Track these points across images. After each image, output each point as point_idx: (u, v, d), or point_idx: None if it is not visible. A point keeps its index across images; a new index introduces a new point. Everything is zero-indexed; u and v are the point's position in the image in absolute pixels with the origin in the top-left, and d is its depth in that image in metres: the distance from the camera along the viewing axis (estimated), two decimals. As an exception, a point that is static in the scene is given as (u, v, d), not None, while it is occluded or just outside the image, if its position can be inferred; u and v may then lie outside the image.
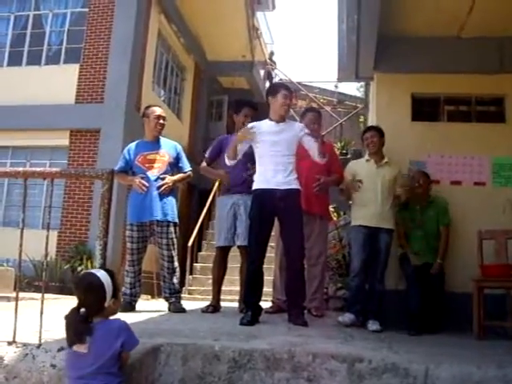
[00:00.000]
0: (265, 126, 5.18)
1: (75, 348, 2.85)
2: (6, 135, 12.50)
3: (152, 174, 5.84)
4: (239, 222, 5.93)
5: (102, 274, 2.99)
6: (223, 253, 6.13)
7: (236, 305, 6.44)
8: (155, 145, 5.99)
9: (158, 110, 6.10)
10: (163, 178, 5.86)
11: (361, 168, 5.88)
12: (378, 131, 5.90)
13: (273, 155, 5.08)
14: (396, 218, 5.81)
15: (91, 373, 2.80)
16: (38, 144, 12.58)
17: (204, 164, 6.26)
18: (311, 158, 5.36)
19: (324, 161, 5.31)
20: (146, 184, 5.76)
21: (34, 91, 12.44)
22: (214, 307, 6.04)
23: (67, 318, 2.87)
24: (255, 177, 5.21)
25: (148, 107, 6.24)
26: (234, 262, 6.55)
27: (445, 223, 5.92)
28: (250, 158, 5.48)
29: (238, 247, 5.98)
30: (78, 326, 2.82)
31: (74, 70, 12.72)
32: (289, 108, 5.30)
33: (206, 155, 6.29)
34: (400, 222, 5.87)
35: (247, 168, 5.83)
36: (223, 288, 6.38)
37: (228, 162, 5.27)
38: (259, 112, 6.11)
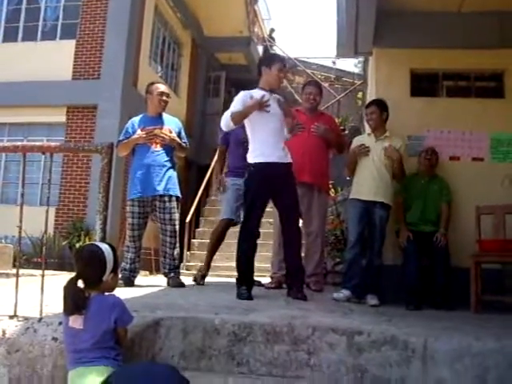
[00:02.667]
0: (257, 93, 5.09)
1: (71, 324, 2.87)
2: (3, 112, 12.48)
3: (154, 148, 5.84)
4: None
5: (105, 248, 3.01)
6: (227, 226, 6.35)
7: (233, 280, 6.53)
8: (158, 120, 5.98)
9: (161, 87, 6.11)
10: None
11: (363, 142, 5.86)
12: (379, 106, 5.84)
13: (271, 128, 5.04)
14: (397, 189, 5.81)
15: (88, 347, 2.82)
16: (35, 120, 12.57)
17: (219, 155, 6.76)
18: (307, 130, 5.37)
19: (289, 137, 5.26)
20: (152, 131, 5.81)
21: (31, 67, 12.36)
22: (203, 276, 6.36)
23: (65, 287, 2.89)
24: (251, 150, 5.12)
25: (152, 83, 6.23)
26: (232, 238, 6.59)
27: (448, 200, 5.90)
28: None
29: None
30: (75, 297, 2.84)
31: (70, 45, 12.67)
32: (282, 81, 5.28)
33: (220, 142, 6.74)
34: (400, 193, 5.86)
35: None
36: (220, 264, 6.50)
37: (227, 124, 5.04)
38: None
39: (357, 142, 5.93)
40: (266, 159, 4.97)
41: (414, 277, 5.51)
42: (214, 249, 6.49)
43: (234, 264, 5.80)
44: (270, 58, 5.46)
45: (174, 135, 5.93)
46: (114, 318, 2.89)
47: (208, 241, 6.93)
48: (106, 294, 3.00)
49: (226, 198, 6.48)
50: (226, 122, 5.03)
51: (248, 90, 5.22)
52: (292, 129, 5.26)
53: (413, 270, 5.54)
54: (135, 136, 5.82)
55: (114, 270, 3.03)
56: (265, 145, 5.02)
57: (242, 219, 5.78)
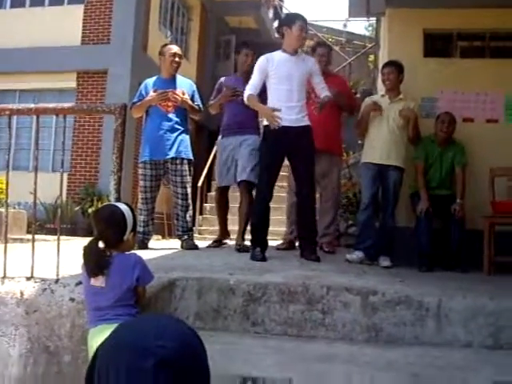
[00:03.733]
0: (278, 57, 5.10)
1: (92, 282, 2.89)
2: (13, 78, 12.42)
3: (167, 111, 5.82)
4: (238, 159, 5.92)
5: (124, 207, 3.02)
6: (224, 192, 6.26)
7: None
8: (171, 82, 5.95)
9: (174, 48, 6.09)
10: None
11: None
12: (397, 67, 5.75)
13: (288, 89, 5.02)
14: (417, 153, 5.77)
15: (110, 305, 2.86)
16: (44, 87, 12.48)
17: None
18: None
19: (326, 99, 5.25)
20: (164, 92, 5.74)
21: (39, 33, 12.27)
22: (219, 241, 6.33)
23: (86, 248, 2.90)
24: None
25: (165, 45, 6.26)
26: (235, 201, 6.60)
27: (462, 163, 5.77)
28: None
29: (238, 184, 5.93)
30: (97, 258, 2.86)
31: (78, 10, 12.56)
32: (304, 40, 5.21)
33: (214, 95, 6.28)
34: (420, 158, 5.79)
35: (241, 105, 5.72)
36: (232, 228, 6.48)
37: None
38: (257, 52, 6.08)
39: (369, 101, 5.88)
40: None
41: (427, 239, 5.49)
42: (221, 215, 6.41)
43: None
44: (290, 18, 5.40)
45: (186, 97, 5.89)
46: (136, 275, 2.92)
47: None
48: (127, 253, 3.02)
49: (217, 162, 6.37)
50: None
51: (265, 53, 5.20)
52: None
53: (425, 232, 5.52)
54: (148, 98, 5.80)
55: (134, 229, 3.04)
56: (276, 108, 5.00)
57: (238, 179, 5.84)
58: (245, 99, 5.15)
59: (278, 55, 5.11)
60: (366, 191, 5.64)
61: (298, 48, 5.15)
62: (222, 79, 6.37)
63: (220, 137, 6.30)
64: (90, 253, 2.89)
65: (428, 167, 5.78)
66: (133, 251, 3.13)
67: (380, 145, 5.61)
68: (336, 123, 6.26)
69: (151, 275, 3.03)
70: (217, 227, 6.79)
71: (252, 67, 5.70)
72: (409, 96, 5.82)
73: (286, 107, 4.98)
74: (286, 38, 5.10)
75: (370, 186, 5.61)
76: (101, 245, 2.91)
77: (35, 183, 3.55)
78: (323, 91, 5.23)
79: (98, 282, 2.88)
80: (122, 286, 2.88)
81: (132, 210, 3.05)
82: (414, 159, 5.76)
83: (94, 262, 2.87)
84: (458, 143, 5.88)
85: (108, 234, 2.93)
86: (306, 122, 5.08)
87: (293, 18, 5.17)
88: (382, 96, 5.84)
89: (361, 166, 5.89)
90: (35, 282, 3.37)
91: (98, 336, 2.78)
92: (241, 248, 5.65)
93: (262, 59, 5.14)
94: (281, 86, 5.02)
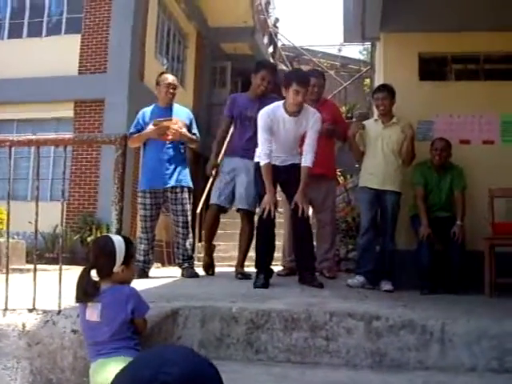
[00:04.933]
0: (279, 117, 5.06)
1: (88, 317, 2.89)
2: (11, 108, 12.46)
3: (166, 140, 5.82)
4: (239, 184, 5.83)
5: (117, 239, 3.02)
6: (215, 212, 6.04)
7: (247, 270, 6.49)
8: (168, 111, 5.97)
9: (169, 78, 6.10)
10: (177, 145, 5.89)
11: (369, 128, 5.83)
12: (390, 91, 5.80)
13: (282, 142, 5.14)
14: (416, 179, 5.79)
15: (106, 340, 2.85)
16: (42, 116, 12.56)
17: (223, 127, 6.19)
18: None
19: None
20: (164, 125, 5.73)
21: (37, 63, 12.34)
22: (207, 264, 6.17)
23: (78, 276, 2.93)
24: (258, 149, 5.13)
25: (161, 74, 6.27)
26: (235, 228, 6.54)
27: (460, 187, 5.79)
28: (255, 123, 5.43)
29: (238, 211, 5.91)
30: (85, 285, 2.88)
31: (75, 40, 12.65)
32: (301, 103, 5.01)
33: (225, 112, 6.16)
34: (419, 183, 5.79)
35: (251, 131, 5.74)
36: (230, 254, 6.41)
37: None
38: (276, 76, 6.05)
39: (353, 124, 5.95)
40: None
41: (428, 261, 5.49)
42: (208, 236, 6.21)
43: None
44: (287, 79, 5.11)
45: (184, 130, 5.90)
46: (131, 308, 2.91)
47: (220, 231, 6.85)
48: (120, 286, 3.01)
49: (217, 180, 6.22)
50: None
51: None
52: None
53: (426, 254, 5.52)
54: (148, 131, 5.80)
55: (127, 263, 3.03)
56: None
57: (238, 206, 5.82)
58: (261, 164, 5.02)
59: (279, 114, 5.04)
60: (365, 215, 5.66)
61: (295, 111, 5.02)
62: (232, 96, 6.32)
63: (226, 156, 6.23)
64: (79, 279, 2.91)
65: (428, 192, 5.79)
66: (130, 283, 3.11)
67: (375, 171, 5.64)
68: (329, 148, 6.24)
69: (147, 306, 3.01)
70: (216, 254, 6.70)
71: (266, 91, 5.80)
72: (404, 119, 5.85)
73: (279, 152, 5.15)
74: (286, 97, 5.03)
75: (369, 209, 5.62)
76: (94, 274, 2.93)
77: (36, 213, 3.55)
78: (306, 155, 5.12)
79: (93, 316, 2.88)
80: (116, 320, 2.87)
81: (128, 243, 3.05)
82: (413, 185, 5.78)
83: (82, 289, 2.89)
84: (455, 167, 5.90)
85: (98, 264, 2.96)
86: (296, 160, 5.17)
87: (289, 80, 4.99)
88: (376, 121, 5.87)
89: (358, 190, 5.90)
90: (37, 313, 3.35)
91: (99, 371, 2.77)
92: (241, 276, 5.65)
93: (265, 118, 5.03)
94: (277, 142, 5.11)
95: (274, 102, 5.19)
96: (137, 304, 2.95)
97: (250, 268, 5.64)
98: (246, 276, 5.61)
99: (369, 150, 5.74)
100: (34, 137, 3.71)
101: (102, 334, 2.86)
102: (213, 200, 6.04)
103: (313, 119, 5.11)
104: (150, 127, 5.78)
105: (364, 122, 6.11)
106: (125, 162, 3.26)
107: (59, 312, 3.33)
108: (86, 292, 2.89)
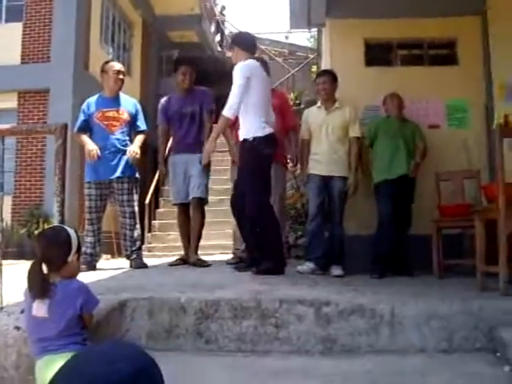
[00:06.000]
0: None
1: (35, 313, 2.78)
2: (-48, 100, 12.05)
3: (110, 131, 5.74)
4: (190, 176, 5.96)
5: (69, 228, 2.92)
6: (183, 208, 6.16)
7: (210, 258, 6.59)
8: (115, 101, 5.87)
9: (117, 65, 6.00)
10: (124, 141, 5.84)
11: (312, 116, 5.83)
12: (331, 75, 5.81)
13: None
14: (368, 131, 5.90)
15: (53, 336, 2.74)
16: (-16, 107, 12.18)
17: (161, 136, 6.37)
18: None
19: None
20: (98, 155, 5.63)
21: (-23, 53, 11.95)
22: (183, 260, 6.15)
23: (30, 272, 2.78)
24: (256, 123, 5.05)
25: (106, 62, 6.14)
26: (209, 216, 6.56)
27: (423, 138, 5.92)
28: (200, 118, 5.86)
29: (192, 199, 5.95)
30: (40, 281, 2.75)
31: (17, 28, 12.27)
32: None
33: (159, 122, 6.34)
34: (369, 136, 5.88)
35: (199, 126, 5.97)
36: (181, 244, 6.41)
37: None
38: (198, 66, 6.12)
39: (303, 117, 5.93)
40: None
41: (388, 245, 5.52)
42: (184, 233, 6.24)
43: (210, 243, 5.84)
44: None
45: (136, 152, 5.83)
46: (80, 304, 2.81)
47: (169, 221, 6.84)
48: (69, 280, 2.91)
49: (171, 180, 6.34)
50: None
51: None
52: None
53: (387, 239, 5.54)
54: (87, 146, 5.69)
55: (78, 251, 2.94)
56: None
57: (190, 196, 5.88)
58: (224, 114, 4.93)
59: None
60: (313, 202, 5.67)
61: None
62: (163, 100, 6.33)
63: (171, 154, 6.28)
64: (34, 277, 2.78)
65: (383, 143, 5.83)
66: (77, 276, 3.02)
67: (321, 157, 5.65)
68: (280, 135, 6.22)
69: (96, 301, 2.92)
70: (167, 244, 6.70)
71: (191, 84, 5.95)
72: (349, 103, 5.85)
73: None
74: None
75: (316, 196, 5.63)
76: (44, 268, 2.80)
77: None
78: None
79: (41, 312, 2.76)
80: (65, 316, 2.77)
81: (76, 233, 2.96)
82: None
83: (38, 285, 2.76)
84: (414, 123, 6.08)
85: (51, 255, 2.81)
86: (243, 135, 5.10)
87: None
88: (318, 108, 5.86)
89: (307, 177, 5.89)
90: (-22, 311, 3.23)
91: (45, 368, 2.67)
92: (197, 263, 5.65)
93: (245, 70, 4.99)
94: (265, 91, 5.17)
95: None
96: (86, 299, 2.85)
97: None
98: (202, 263, 5.76)
99: (314, 137, 5.75)
100: (-31, 127, 3.56)
101: (49, 329, 2.76)
102: (173, 200, 6.22)
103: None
104: (93, 150, 5.63)
105: (307, 110, 6.12)
106: (65, 152, 3.15)
107: (1, 309, 3.22)
108: (43, 288, 2.75)
